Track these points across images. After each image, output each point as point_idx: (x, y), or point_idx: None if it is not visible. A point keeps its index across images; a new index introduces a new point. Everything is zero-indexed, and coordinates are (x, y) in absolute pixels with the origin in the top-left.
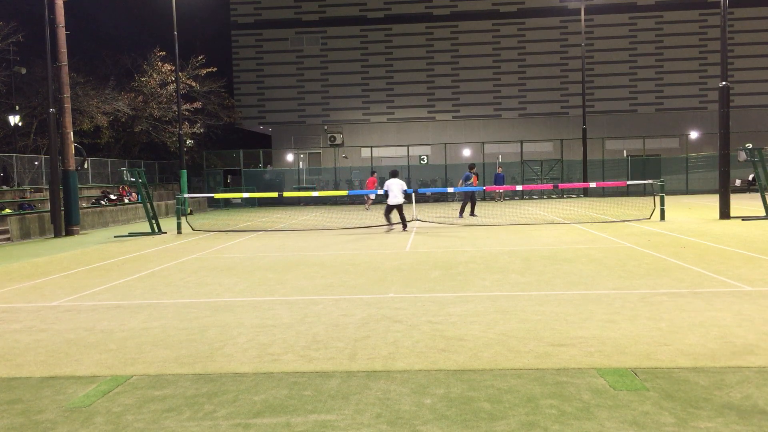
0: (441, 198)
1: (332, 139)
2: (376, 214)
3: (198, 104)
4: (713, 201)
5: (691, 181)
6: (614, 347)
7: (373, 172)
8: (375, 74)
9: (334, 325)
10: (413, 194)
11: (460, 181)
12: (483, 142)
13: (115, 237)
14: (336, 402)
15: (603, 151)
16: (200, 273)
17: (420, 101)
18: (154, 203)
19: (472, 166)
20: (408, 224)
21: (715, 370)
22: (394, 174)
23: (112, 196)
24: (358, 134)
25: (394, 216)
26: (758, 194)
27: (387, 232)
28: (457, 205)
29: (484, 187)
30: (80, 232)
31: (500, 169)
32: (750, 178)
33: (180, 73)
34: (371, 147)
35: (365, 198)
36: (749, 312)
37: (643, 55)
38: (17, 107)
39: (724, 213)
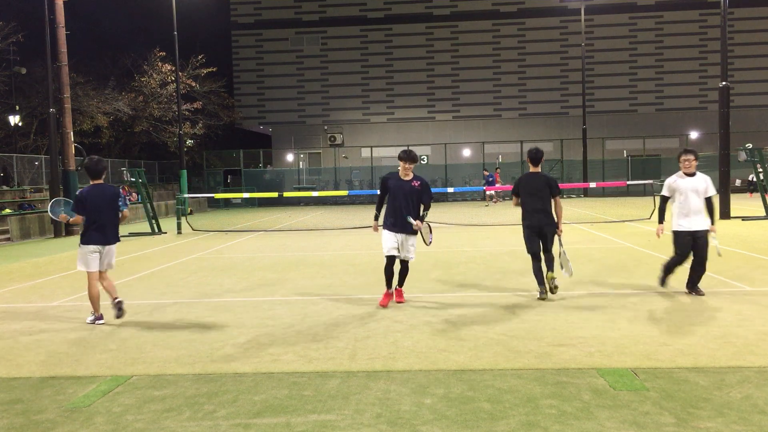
0: (441, 198)
1: (332, 139)
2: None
3: (198, 104)
4: None
5: None
6: (614, 347)
7: (497, 169)
8: (375, 74)
9: (334, 325)
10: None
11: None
12: (483, 142)
13: None
14: (336, 402)
15: (603, 151)
16: (200, 273)
17: (420, 101)
18: (154, 203)
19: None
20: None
21: (715, 370)
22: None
23: None
24: (358, 134)
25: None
26: (758, 194)
27: None
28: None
29: (484, 188)
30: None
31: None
32: (750, 178)
33: (180, 73)
34: (371, 147)
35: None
36: (749, 312)
37: (643, 55)
38: (17, 107)
39: (724, 213)
